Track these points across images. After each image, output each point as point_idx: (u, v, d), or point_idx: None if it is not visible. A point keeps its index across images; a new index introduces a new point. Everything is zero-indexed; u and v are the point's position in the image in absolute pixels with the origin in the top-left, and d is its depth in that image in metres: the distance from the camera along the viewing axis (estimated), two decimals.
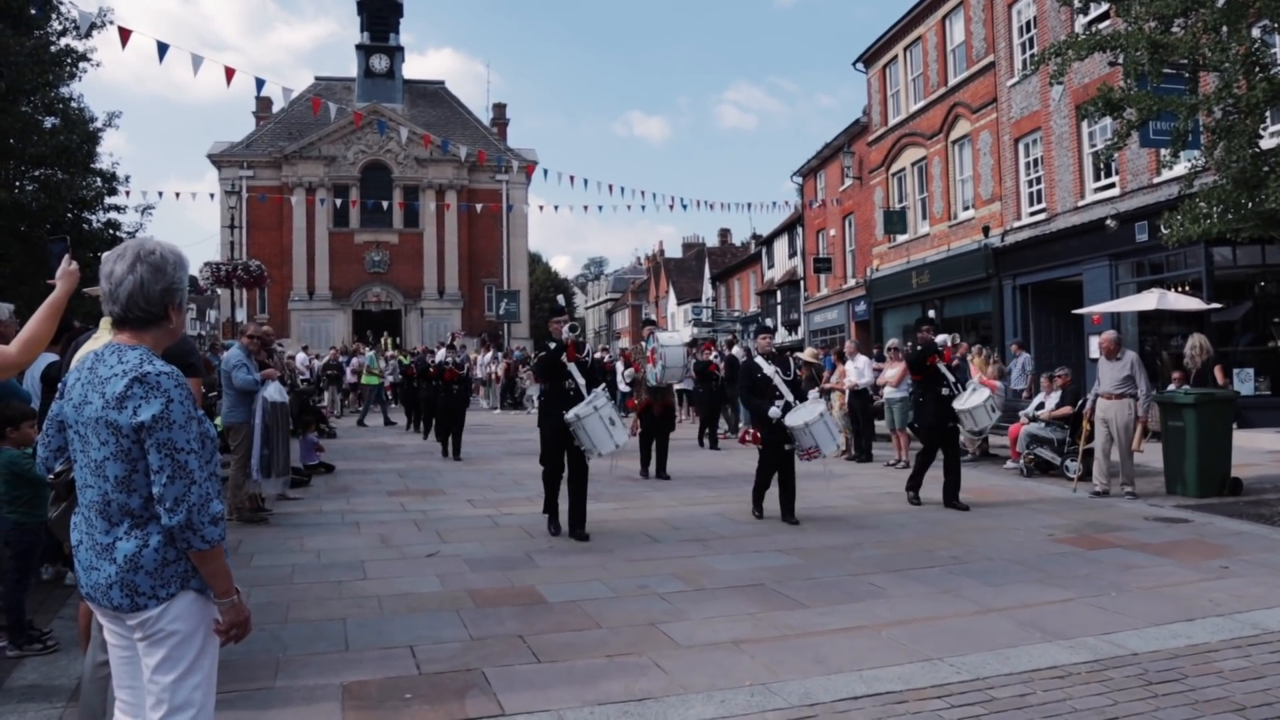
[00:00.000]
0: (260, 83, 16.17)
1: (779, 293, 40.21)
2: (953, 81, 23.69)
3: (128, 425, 2.42)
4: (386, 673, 4.64)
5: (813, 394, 9.25)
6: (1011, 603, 5.83)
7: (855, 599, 6.01)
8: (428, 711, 4.14)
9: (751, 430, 8.98)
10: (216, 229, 42.21)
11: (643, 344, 12.79)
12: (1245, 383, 15.69)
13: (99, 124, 21.71)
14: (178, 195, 40.81)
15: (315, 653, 4.96)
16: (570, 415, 7.74)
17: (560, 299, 9.82)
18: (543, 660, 4.83)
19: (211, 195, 35.00)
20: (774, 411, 8.54)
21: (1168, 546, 7.47)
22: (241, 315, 30.81)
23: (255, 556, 7.42)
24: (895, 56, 26.75)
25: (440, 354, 16.57)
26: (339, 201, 40.98)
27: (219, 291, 32.91)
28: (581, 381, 8.05)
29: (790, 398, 8.73)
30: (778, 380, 8.80)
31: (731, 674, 4.56)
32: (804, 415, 8.55)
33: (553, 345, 8.25)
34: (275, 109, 45.80)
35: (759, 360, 8.98)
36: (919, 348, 9.96)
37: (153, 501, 2.46)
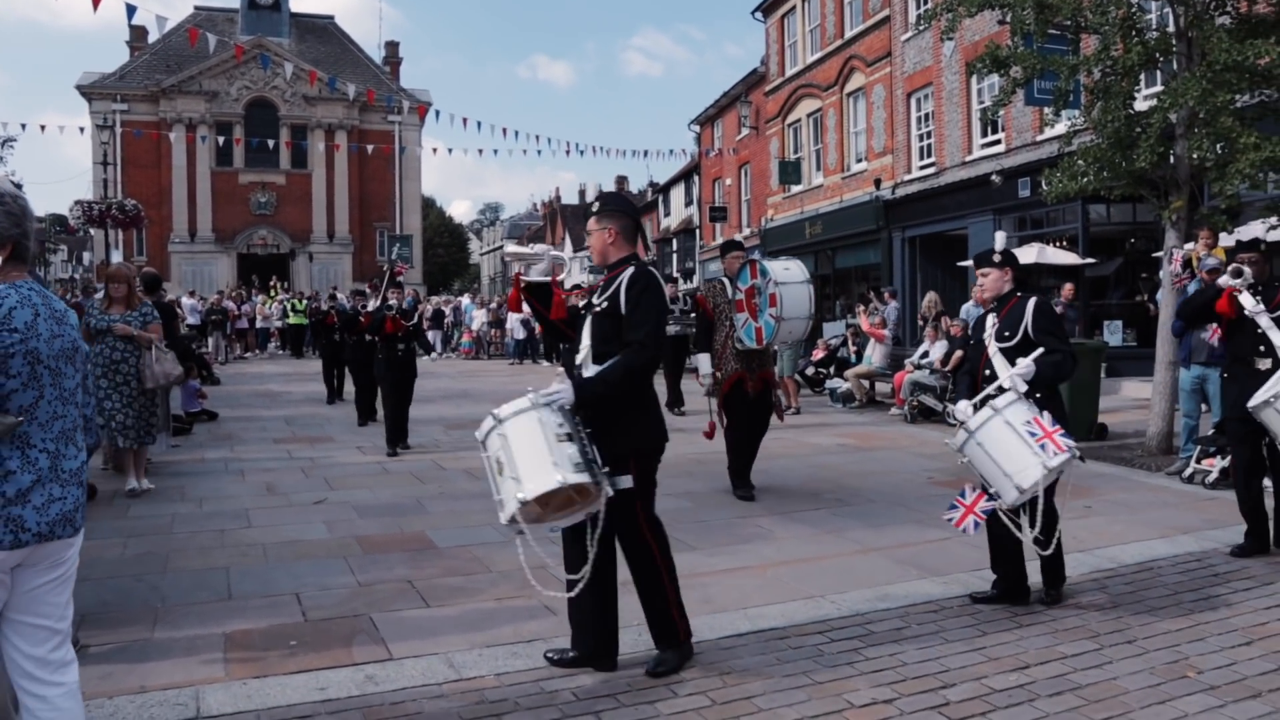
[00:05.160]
0: (131, 9, 15.27)
1: (674, 241, 40.32)
2: (849, 34, 23.92)
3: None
4: (271, 621, 4.56)
5: None
6: (891, 542, 6.06)
7: (742, 541, 6.15)
8: (314, 658, 4.09)
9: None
10: (90, 165, 39.90)
11: (725, 283, 7.70)
12: (1114, 334, 16.50)
13: None
14: (43, 128, 38.25)
15: (196, 602, 4.85)
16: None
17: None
18: (432, 604, 4.82)
19: (82, 129, 33.05)
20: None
21: None
22: (117, 256, 29.35)
23: (132, 506, 7.16)
24: (794, 7, 26.83)
25: (390, 299, 10.32)
26: (221, 140, 39.16)
27: (92, 232, 31.29)
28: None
29: None
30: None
31: (619, 613, 4.61)
32: None
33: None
34: (151, 39, 43.34)
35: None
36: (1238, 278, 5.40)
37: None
